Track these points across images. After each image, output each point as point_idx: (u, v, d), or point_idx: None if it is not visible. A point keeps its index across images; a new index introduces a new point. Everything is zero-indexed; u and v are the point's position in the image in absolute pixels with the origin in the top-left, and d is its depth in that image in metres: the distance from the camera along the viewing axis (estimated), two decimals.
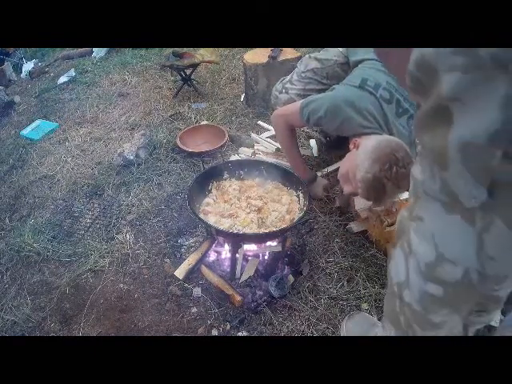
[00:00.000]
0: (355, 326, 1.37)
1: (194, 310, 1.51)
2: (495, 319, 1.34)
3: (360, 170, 1.32)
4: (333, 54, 1.91)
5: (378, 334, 0.94)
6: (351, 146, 1.47)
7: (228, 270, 1.62)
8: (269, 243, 1.67)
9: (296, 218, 1.54)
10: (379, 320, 1.40)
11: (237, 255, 1.60)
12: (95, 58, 3.98)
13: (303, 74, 1.96)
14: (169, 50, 2.99)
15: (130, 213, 2.00)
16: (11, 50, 4.25)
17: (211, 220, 1.57)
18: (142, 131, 2.49)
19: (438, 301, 0.73)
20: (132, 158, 2.28)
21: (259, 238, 1.58)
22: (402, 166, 1.26)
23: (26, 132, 2.77)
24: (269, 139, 2.42)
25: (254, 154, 2.30)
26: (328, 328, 1.42)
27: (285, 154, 2.01)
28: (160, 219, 1.93)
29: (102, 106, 3.03)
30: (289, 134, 1.80)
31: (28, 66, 4.04)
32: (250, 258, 1.65)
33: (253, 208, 1.62)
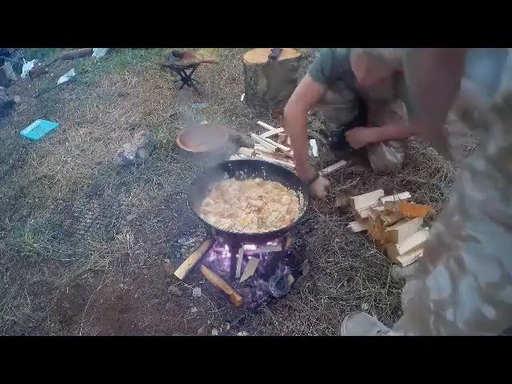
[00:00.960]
0: (355, 325, 1.36)
1: (194, 309, 1.51)
2: None
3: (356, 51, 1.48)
4: None
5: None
6: None
7: (228, 270, 1.62)
8: (269, 243, 1.67)
9: (296, 218, 1.54)
10: (379, 320, 1.40)
11: (237, 255, 1.60)
12: (95, 57, 3.98)
13: None
14: (169, 50, 2.99)
15: (129, 213, 2.00)
16: (11, 49, 4.25)
17: (211, 220, 1.57)
18: (142, 131, 2.49)
19: (487, 324, 0.73)
20: (132, 157, 2.28)
21: (259, 238, 1.58)
22: None
23: (26, 132, 2.78)
24: (269, 139, 2.42)
25: (253, 153, 2.30)
26: (328, 328, 1.41)
27: (292, 147, 2.00)
28: (160, 219, 1.93)
29: (102, 106, 3.03)
30: (302, 123, 1.80)
31: (28, 66, 4.04)
32: (250, 258, 1.65)
33: (253, 208, 1.62)
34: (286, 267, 1.64)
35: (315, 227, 1.82)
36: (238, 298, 1.48)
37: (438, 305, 0.77)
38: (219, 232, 1.49)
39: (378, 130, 1.94)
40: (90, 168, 2.36)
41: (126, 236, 1.84)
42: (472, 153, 0.67)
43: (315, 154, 2.30)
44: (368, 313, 1.46)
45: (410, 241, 1.61)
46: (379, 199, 1.73)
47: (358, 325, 1.36)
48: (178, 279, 1.59)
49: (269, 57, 2.56)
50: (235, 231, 1.51)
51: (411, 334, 0.87)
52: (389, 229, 1.60)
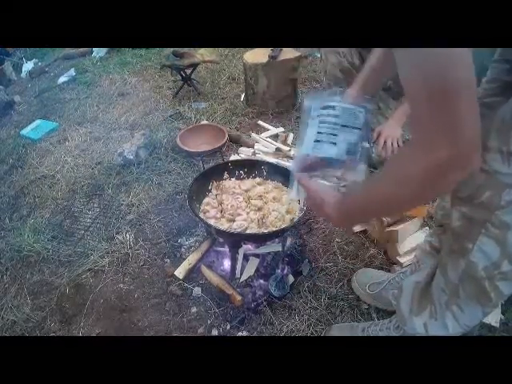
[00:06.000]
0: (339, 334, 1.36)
1: (194, 309, 1.51)
2: (495, 319, 1.34)
3: None
4: None
5: (448, 323, 0.96)
6: None
7: (228, 269, 1.62)
8: (269, 243, 1.67)
9: (296, 218, 1.54)
10: (377, 318, 1.40)
11: (237, 255, 1.60)
12: (95, 57, 3.98)
13: None
14: (169, 50, 2.99)
15: (130, 213, 2.00)
16: (11, 49, 4.25)
17: (211, 220, 1.57)
18: (142, 131, 2.49)
19: None
20: (132, 157, 2.28)
21: (259, 238, 1.58)
22: None
23: (25, 132, 2.77)
24: (269, 139, 2.42)
25: (253, 153, 2.30)
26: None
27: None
28: (160, 219, 1.93)
29: (102, 106, 3.03)
30: None
31: (28, 66, 4.04)
32: (250, 257, 1.65)
33: (253, 208, 1.62)
34: (286, 267, 1.64)
35: (315, 227, 1.82)
36: (238, 297, 1.48)
37: (491, 268, 0.83)
38: (219, 232, 1.49)
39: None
40: (90, 168, 2.36)
41: (126, 236, 1.84)
42: None
43: None
44: (367, 313, 1.46)
45: (410, 241, 1.61)
46: None
47: (342, 333, 1.35)
48: (178, 279, 1.59)
49: (269, 57, 2.56)
50: (235, 231, 1.51)
51: (472, 303, 0.92)
52: (389, 229, 1.61)
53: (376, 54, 0.99)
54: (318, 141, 0.90)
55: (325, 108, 0.91)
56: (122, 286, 1.63)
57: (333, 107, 0.89)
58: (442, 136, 0.54)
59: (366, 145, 0.91)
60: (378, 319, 1.42)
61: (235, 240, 1.57)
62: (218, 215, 1.59)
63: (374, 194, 0.71)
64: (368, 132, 0.92)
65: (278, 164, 1.94)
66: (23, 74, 3.98)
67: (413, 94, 0.56)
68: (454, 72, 0.51)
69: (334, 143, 0.88)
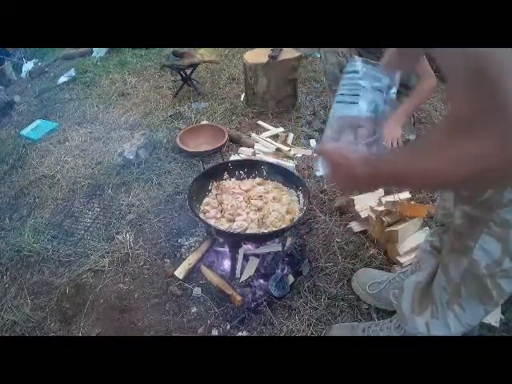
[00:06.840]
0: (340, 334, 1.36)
1: (194, 309, 1.51)
2: (495, 319, 1.34)
3: None
4: None
5: (450, 321, 0.97)
6: None
7: (228, 269, 1.62)
8: (269, 243, 1.67)
9: (296, 218, 1.54)
10: (377, 318, 1.40)
11: (237, 255, 1.60)
12: (95, 57, 3.98)
13: None
14: (169, 50, 2.99)
15: (130, 213, 2.00)
16: (11, 49, 4.25)
17: (211, 220, 1.57)
18: (142, 131, 2.49)
19: None
20: (132, 157, 2.28)
21: (259, 238, 1.58)
22: None
23: (25, 132, 2.77)
24: (269, 139, 2.42)
25: (253, 153, 2.30)
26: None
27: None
28: (160, 219, 1.93)
29: (102, 106, 3.03)
30: None
31: (28, 66, 4.05)
32: (250, 257, 1.65)
33: (253, 208, 1.62)
34: (286, 267, 1.64)
35: (315, 227, 1.82)
36: (238, 297, 1.48)
37: (492, 266, 0.84)
38: (219, 232, 1.49)
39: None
40: (90, 168, 2.36)
41: (126, 236, 1.84)
42: None
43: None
44: (367, 313, 1.46)
45: (410, 241, 1.61)
46: (379, 199, 1.73)
47: (341, 333, 1.35)
48: (178, 279, 1.59)
49: (269, 57, 2.56)
50: (235, 231, 1.51)
51: (473, 302, 0.92)
52: (389, 229, 1.61)
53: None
54: (340, 102, 0.92)
55: (348, 72, 0.93)
56: (121, 285, 1.62)
57: (356, 71, 0.91)
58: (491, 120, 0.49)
59: (387, 108, 0.92)
60: (378, 319, 1.42)
61: (235, 240, 1.57)
62: (218, 215, 1.59)
63: (413, 166, 0.62)
64: (388, 96, 0.94)
65: (278, 164, 1.94)
66: (23, 74, 3.98)
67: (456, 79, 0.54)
68: (497, 55, 0.49)
69: (356, 103, 0.89)
